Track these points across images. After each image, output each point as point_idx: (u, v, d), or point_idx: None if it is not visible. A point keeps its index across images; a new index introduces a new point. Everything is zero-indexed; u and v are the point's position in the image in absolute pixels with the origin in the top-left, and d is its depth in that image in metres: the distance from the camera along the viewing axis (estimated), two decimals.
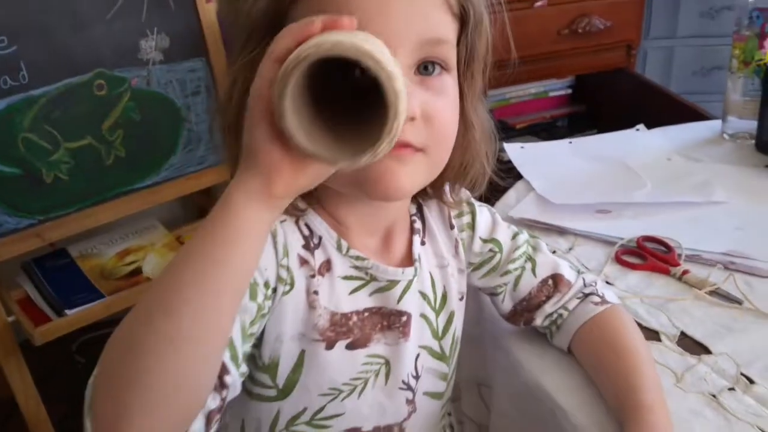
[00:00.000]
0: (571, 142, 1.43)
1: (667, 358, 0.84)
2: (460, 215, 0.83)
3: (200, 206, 1.98)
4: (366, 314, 0.73)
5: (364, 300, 0.73)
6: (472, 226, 0.84)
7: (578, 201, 1.18)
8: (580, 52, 1.82)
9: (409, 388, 0.79)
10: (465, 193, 0.81)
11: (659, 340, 0.87)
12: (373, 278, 0.73)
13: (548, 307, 0.84)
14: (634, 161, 1.31)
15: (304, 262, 0.69)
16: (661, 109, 1.70)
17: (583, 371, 0.82)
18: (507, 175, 1.04)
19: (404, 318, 0.76)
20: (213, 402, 0.57)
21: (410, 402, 0.79)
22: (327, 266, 0.71)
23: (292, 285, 0.68)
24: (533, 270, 0.85)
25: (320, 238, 0.71)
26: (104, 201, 1.53)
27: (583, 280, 0.86)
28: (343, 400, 0.74)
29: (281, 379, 0.71)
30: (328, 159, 0.51)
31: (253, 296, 0.63)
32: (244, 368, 0.64)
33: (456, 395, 0.99)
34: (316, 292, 0.69)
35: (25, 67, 1.38)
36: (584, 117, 1.97)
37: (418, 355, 0.78)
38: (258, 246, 0.54)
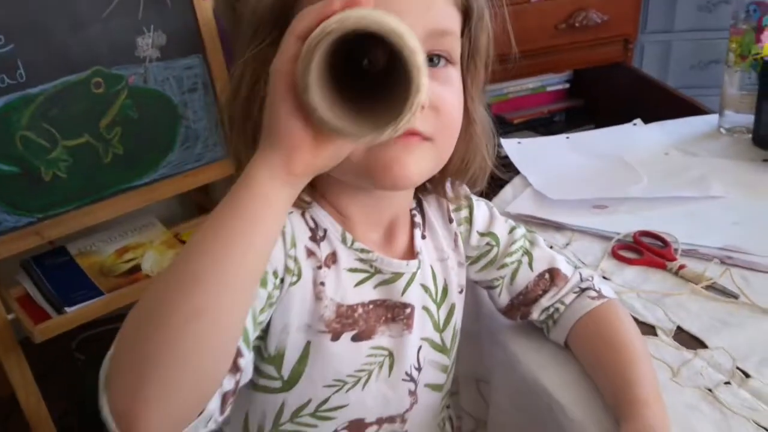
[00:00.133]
0: (568, 138, 1.44)
1: (663, 352, 0.84)
2: (458, 209, 0.84)
3: (198, 203, 1.99)
4: (371, 306, 0.74)
5: (369, 292, 0.74)
6: (470, 220, 0.84)
7: (575, 196, 1.18)
8: (578, 47, 1.81)
9: (412, 379, 0.79)
10: (464, 188, 0.82)
11: (655, 334, 0.88)
12: (378, 271, 0.74)
13: (545, 301, 0.85)
14: (631, 156, 1.32)
15: (311, 253, 0.70)
16: (659, 103, 1.70)
17: (579, 366, 0.82)
18: (506, 170, 1.04)
19: (408, 310, 0.76)
20: (228, 383, 0.58)
21: (412, 393, 0.80)
22: (333, 258, 0.71)
23: (299, 276, 0.68)
24: (530, 264, 0.86)
25: (325, 231, 0.71)
26: (103, 199, 1.53)
27: (580, 274, 0.86)
28: (347, 391, 0.75)
29: (286, 370, 0.72)
30: (350, 133, 0.52)
31: (263, 284, 0.63)
32: (252, 355, 0.65)
33: (454, 390, 0.99)
34: (322, 284, 0.70)
35: (22, 65, 1.38)
36: (582, 111, 1.96)
37: (420, 347, 0.79)
38: (278, 223, 0.56)
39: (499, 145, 0.82)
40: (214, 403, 0.56)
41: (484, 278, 0.87)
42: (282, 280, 0.67)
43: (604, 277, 0.99)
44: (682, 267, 0.99)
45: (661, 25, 2.28)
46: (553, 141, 1.45)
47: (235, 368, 0.59)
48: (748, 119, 1.33)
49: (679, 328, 0.89)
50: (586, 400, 0.78)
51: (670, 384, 0.80)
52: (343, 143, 0.55)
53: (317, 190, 0.72)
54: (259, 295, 0.63)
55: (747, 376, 0.80)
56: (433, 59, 0.66)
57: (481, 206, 0.86)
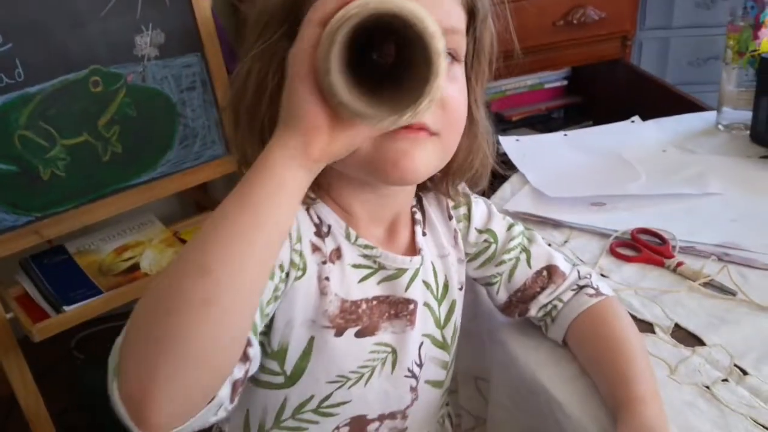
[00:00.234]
0: (566, 135, 1.44)
1: (661, 349, 0.85)
2: (456, 207, 0.84)
3: (197, 202, 1.99)
4: (374, 302, 0.74)
5: (372, 288, 0.74)
6: (468, 217, 0.85)
7: (573, 194, 1.18)
8: (576, 44, 1.82)
9: (413, 375, 0.80)
10: (462, 186, 0.83)
11: (653, 332, 0.88)
12: (382, 267, 0.75)
13: (543, 298, 0.85)
14: (629, 153, 1.32)
15: (316, 248, 0.70)
16: (657, 100, 1.70)
17: (578, 364, 0.82)
18: (504, 167, 1.04)
19: (411, 306, 0.77)
20: (238, 372, 0.59)
21: (413, 390, 0.81)
22: (337, 254, 0.72)
23: (304, 270, 0.68)
24: (528, 261, 0.86)
25: (329, 227, 0.72)
26: (101, 197, 1.53)
27: (578, 272, 0.87)
28: (350, 387, 0.75)
29: (289, 365, 0.72)
30: (370, 116, 0.53)
31: (270, 276, 0.64)
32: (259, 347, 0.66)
33: (453, 388, 0.99)
34: (327, 279, 0.70)
35: (20, 64, 1.37)
36: (580, 108, 1.97)
37: (421, 344, 0.79)
38: (293, 206, 0.56)
39: (497, 143, 0.83)
40: (225, 390, 0.56)
41: (482, 275, 0.88)
42: (287, 275, 0.67)
43: (602, 275, 0.99)
44: (680, 264, 0.99)
45: (659, 21, 2.28)
46: (551, 138, 1.45)
47: (245, 357, 0.59)
48: (746, 116, 1.33)
49: (677, 325, 0.89)
50: (584, 397, 0.78)
51: (668, 381, 0.80)
52: (360, 129, 0.56)
53: (321, 187, 0.72)
54: (267, 286, 0.63)
55: (745, 373, 0.80)
56: None
57: (479, 204, 0.87)
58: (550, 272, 0.86)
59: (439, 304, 0.81)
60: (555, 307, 0.85)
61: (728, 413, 0.75)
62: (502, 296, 0.88)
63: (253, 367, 0.62)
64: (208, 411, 0.55)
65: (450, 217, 0.84)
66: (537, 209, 1.15)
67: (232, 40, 1.81)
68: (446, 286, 0.82)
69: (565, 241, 1.08)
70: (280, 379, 0.73)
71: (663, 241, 1.05)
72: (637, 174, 1.24)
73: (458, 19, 0.68)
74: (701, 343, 0.86)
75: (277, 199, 0.54)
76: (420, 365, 0.80)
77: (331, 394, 0.75)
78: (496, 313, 0.91)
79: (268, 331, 0.70)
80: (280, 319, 0.69)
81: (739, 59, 1.33)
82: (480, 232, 0.85)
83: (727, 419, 0.74)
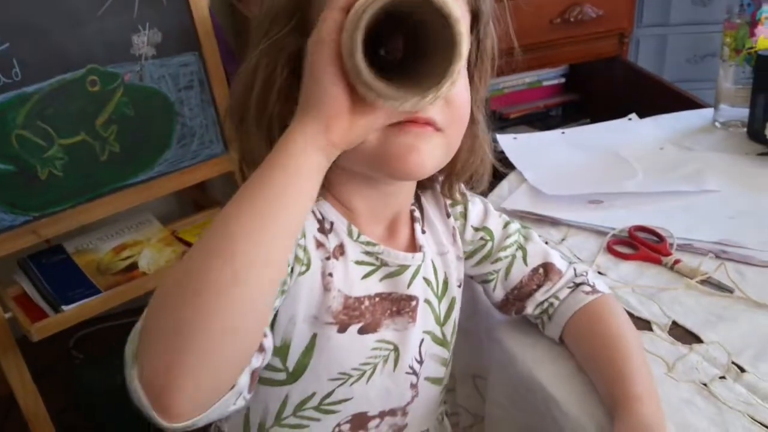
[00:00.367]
0: (563, 133, 1.44)
1: (658, 347, 0.85)
2: (453, 205, 0.85)
3: (195, 200, 1.99)
4: (377, 299, 0.75)
5: (375, 285, 0.75)
6: (465, 215, 0.86)
7: (570, 192, 1.18)
8: (573, 41, 1.82)
9: (414, 372, 0.80)
10: (459, 185, 0.83)
11: (651, 329, 0.88)
12: (384, 263, 0.75)
13: (539, 296, 0.86)
14: (626, 151, 1.32)
15: (319, 244, 0.70)
16: (655, 97, 1.70)
17: (575, 361, 0.82)
18: (502, 165, 1.04)
19: (413, 303, 0.77)
20: (256, 361, 0.59)
21: (414, 386, 0.81)
22: (341, 250, 0.72)
23: (308, 266, 0.69)
24: (524, 258, 0.86)
25: (332, 224, 0.72)
26: (99, 197, 1.53)
27: (574, 269, 0.87)
28: (352, 384, 0.75)
29: (291, 362, 0.72)
30: (394, 96, 0.55)
31: None
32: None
33: (451, 386, 0.99)
34: (330, 275, 0.71)
35: (17, 64, 1.37)
36: (578, 106, 1.97)
37: (422, 341, 0.80)
38: (312, 190, 0.57)
39: (495, 141, 0.84)
40: (244, 379, 0.57)
41: (478, 273, 0.88)
42: (291, 269, 0.67)
43: (600, 273, 0.99)
44: (677, 262, 0.99)
45: (656, 18, 2.28)
46: (548, 136, 1.45)
47: (261, 347, 0.60)
48: (743, 113, 1.33)
49: (674, 322, 0.89)
50: (581, 395, 0.78)
51: (666, 379, 0.80)
52: (378, 115, 0.57)
53: (323, 185, 0.72)
54: None
55: (742, 370, 0.80)
56: None
57: (475, 202, 0.87)
58: (547, 270, 0.86)
59: (440, 301, 0.81)
60: (551, 304, 0.85)
61: (726, 410, 0.75)
62: (499, 294, 0.88)
63: (267, 358, 0.63)
64: (228, 399, 0.55)
65: (448, 215, 0.84)
66: (534, 207, 1.15)
67: (229, 39, 1.81)
68: (446, 283, 0.82)
69: (563, 239, 1.08)
70: (282, 376, 0.73)
71: (660, 238, 1.05)
72: (635, 171, 1.24)
73: (463, 19, 0.68)
74: (699, 340, 0.86)
75: (298, 181, 0.55)
76: (420, 362, 0.80)
77: (333, 391, 0.75)
78: (493, 311, 0.91)
79: (270, 327, 0.70)
80: (283, 315, 0.69)
81: (736, 56, 1.33)
82: (476, 229, 0.86)
83: (725, 416, 0.75)
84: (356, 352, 0.75)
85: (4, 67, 1.36)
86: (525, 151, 1.35)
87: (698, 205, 1.14)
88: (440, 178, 0.82)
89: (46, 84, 1.42)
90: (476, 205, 0.87)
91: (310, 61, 0.56)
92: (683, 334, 0.87)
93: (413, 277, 0.77)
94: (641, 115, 1.45)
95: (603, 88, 1.93)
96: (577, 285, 0.85)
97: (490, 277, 0.87)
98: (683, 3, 2.24)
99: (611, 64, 1.89)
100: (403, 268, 0.76)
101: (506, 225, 0.88)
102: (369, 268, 0.74)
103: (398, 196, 0.77)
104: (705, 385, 0.79)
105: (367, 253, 0.74)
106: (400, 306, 0.76)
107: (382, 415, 0.80)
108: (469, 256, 0.86)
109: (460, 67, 0.54)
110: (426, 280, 0.79)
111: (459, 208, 0.85)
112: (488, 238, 0.86)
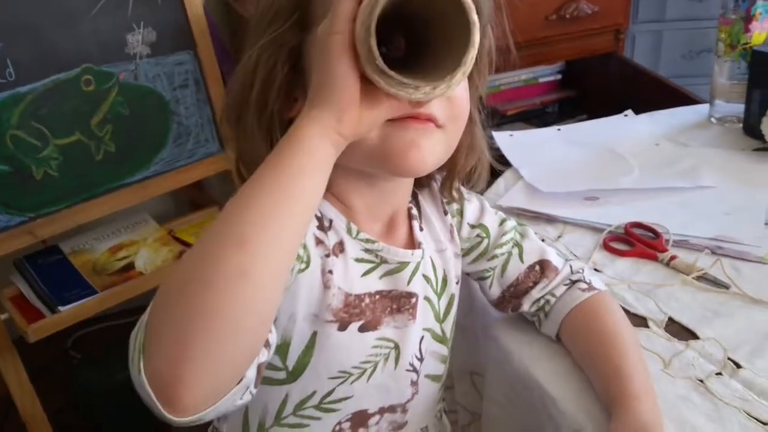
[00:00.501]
0: (559, 129, 1.44)
1: (654, 343, 0.85)
2: (450, 202, 0.85)
3: (191, 200, 1.98)
4: (377, 297, 0.75)
5: (375, 282, 0.75)
6: (461, 212, 0.86)
7: (566, 189, 1.18)
8: (569, 38, 1.81)
9: (414, 370, 0.80)
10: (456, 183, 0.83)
11: (647, 326, 0.88)
12: (384, 261, 0.75)
13: (535, 293, 0.86)
14: (622, 147, 1.32)
15: (319, 242, 0.70)
16: (651, 93, 1.71)
17: (571, 359, 0.82)
18: (498, 162, 1.04)
19: (413, 300, 0.77)
20: (262, 355, 0.59)
21: (414, 384, 0.81)
22: (340, 247, 0.72)
23: (308, 263, 0.69)
24: (520, 256, 0.86)
25: (331, 221, 0.72)
26: (95, 197, 1.52)
27: (570, 267, 0.87)
28: (352, 383, 0.75)
29: (291, 361, 0.72)
30: (407, 84, 0.54)
31: None
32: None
33: (449, 384, 0.99)
34: (330, 272, 0.70)
35: (11, 64, 1.37)
36: (574, 102, 1.97)
37: (422, 338, 0.80)
38: (322, 180, 0.57)
39: (491, 138, 0.84)
40: (252, 372, 0.56)
41: (475, 270, 0.88)
42: (291, 267, 0.67)
43: (596, 269, 0.99)
44: (673, 258, 0.99)
45: (651, 14, 2.28)
46: (544, 133, 1.45)
47: (266, 342, 0.60)
48: (739, 109, 1.33)
49: (670, 319, 0.89)
50: (577, 392, 0.78)
51: (662, 375, 0.80)
52: (387, 106, 0.57)
53: None
54: None
55: (738, 366, 0.80)
56: None
57: (471, 199, 0.87)
58: (543, 267, 0.86)
59: (439, 298, 0.81)
60: (548, 302, 0.85)
61: (722, 407, 0.75)
62: (495, 291, 0.88)
63: (271, 354, 0.63)
64: (235, 393, 0.54)
65: (445, 213, 0.84)
66: (531, 204, 1.15)
67: (224, 38, 1.81)
68: (445, 281, 0.83)
69: (559, 236, 1.08)
70: (281, 375, 0.73)
71: (656, 234, 1.05)
72: (630, 168, 1.24)
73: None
74: (695, 336, 0.86)
75: (309, 171, 0.55)
76: (420, 359, 0.80)
77: (334, 389, 0.75)
78: (490, 309, 0.91)
79: None
80: (283, 313, 0.69)
81: (731, 52, 1.33)
82: (472, 227, 0.86)
83: (721, 412, 0.75)
84: (357, 350, 0.75)
85: None
86: (521, 148, 1.34)
87: (694, 201, 1.14)
88: (439, 177, 0.82)
89: (40, 84, 1.41)
90: (472, 203, 0.87)
91: (322, 51, 0.56)
92: (679, 331, 0.87)
93: (413, 274, 0.77)
94: (637, 111, 1.45)
95: (599, 85, 1.92)
96: (574, 282, 0.85)
97: (487, 274, 0.87)
98: None
99: (607, 61, 1.89)
100: (403, 265, 0.76)
101: (502, 222, 0.88)
102: (369, 266, 0.74)
103: (396, 193, 0.77)
104: (701, 381, 0.79)
105: (367, 250, 0.74)
106: (400, 303, 0.76)
107: (382, 412, 0.80)
108: (465, 253, 0.86)
109: (474, 55, 0.54)
110: (425, 277, 0.79)
111: (455, 206, 0.85)
112: (484, 235, 0.86)
